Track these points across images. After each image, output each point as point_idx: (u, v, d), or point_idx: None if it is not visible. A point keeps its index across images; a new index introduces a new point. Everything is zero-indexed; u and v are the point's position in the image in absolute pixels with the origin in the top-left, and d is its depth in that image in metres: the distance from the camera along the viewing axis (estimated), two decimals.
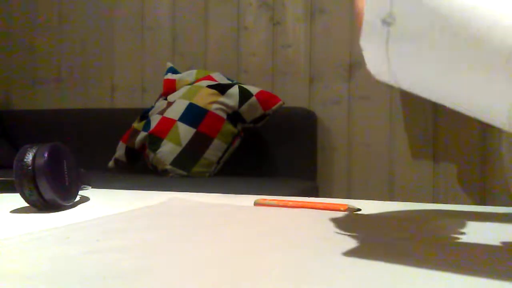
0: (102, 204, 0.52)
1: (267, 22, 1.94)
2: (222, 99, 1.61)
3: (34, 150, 0.46)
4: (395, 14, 0.26)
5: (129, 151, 1.71)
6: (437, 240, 0.34)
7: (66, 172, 0.48)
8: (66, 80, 2.26)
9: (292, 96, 1.89)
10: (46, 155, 0.45)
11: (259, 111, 1.63)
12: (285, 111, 1.75)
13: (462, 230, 0.37)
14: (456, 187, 1.74)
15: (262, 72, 1.94)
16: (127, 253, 0.29)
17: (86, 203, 0.53)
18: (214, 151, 1.58)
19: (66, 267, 0.26)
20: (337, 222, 0.40)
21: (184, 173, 1.56)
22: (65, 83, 2.26)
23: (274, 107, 1.64)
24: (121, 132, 1.82)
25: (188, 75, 1.76)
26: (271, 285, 0.23)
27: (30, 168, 0.45)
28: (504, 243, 0.33)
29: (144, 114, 1.76)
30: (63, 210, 0.48)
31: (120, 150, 1.74)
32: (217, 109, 1.60)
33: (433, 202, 1.72)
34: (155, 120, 1.62)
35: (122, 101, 2.16)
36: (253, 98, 1.61)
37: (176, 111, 1.60)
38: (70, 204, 0.49)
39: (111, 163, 1.77)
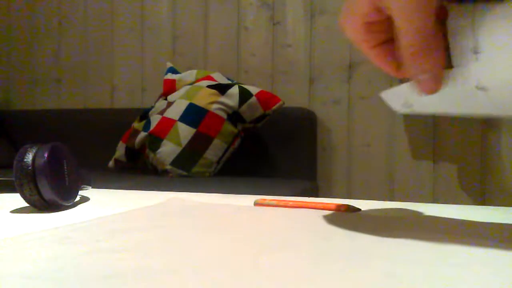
0: (102, 204, 0.52)
1: (267, 22, 1.94)
2: (222, 99, 1.61)
3: (34, 150, 0.46)
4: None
5: (129, 151, 1.71)
6: (437, 241, 0.34)
7: (66, 172, 0.48)
8: (66, 80, 2.26)
9: (292, 96, 1.89)
10: (46, 155, 0.45)
11: (259, 111, 1.63)
12: (285, 111, 1.75)
13: (462, 231, 0.37)
14: (456, 187, 1.74)
15: (262, 72, 1.94)
16: (127, 253, 0.29)
17: (86, 203, 0.53)
18: (214, 151, 1.58)
19: (66, 267, 0.26)
20: (337, 222, 0.40)
21: (184, 173, 1.56)
22: (65, 83, 2.26)
23: (274, 107, 1.64)
24: (121, 132, 1.82)
25: (188, 75, 1.76)
26: (271, 285, 0.23)
27: (30, 168, 0.45)
28: (504, 243, 0.33)
29: (144, 114, 1.76)
30: (63, 210, 0.48)
31: (120, 150, 1.74)
32: (217, 109, 1.60)
33: (433, 202, 1.72)
34: (155, 120, 1.62)
35: (122, 101, 2.16)
36: (253, 98, 1.61)
37: (176, 111, 1.60)
38: (70, 204, 0.49)
39: (111, 163, 1.77)
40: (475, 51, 0.28)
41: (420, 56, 0.30)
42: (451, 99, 0.32)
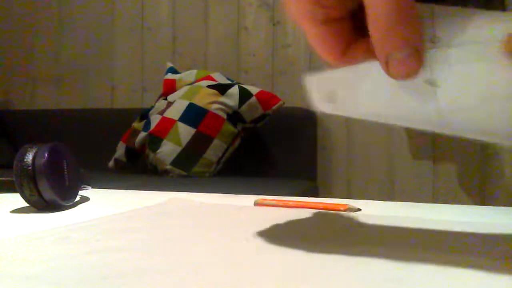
0: (102, 204, 0.52)
1: (267, 22, 1.94)
2: (222, 99, 1.61)
3: (34, 150, 0.46)
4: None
5: (129, 151, 1.71)
6: (437, 241, 0.34)
7: (66, 172, 0.48)
8: (66, 80, 2.26)
9: (292, 96, 1.89)
10: (46, 155, 0.45)
11: (259, 111, 1.63)
12: (285, 111, 1.75)
13: (462, 230, 0.37)
14: (456, 187, 1.74)
15: (262, 72, 1.94)
16: (127, 253, 0.29)
17: (86, 203, 0.53)
18: (214, 151, 1.58)
19: (66, 267, 0.26)
20: (337, 222, 0.40)
21: (184, 173, 1.56)
22: (65, 83, 2.26)
23: (274, 107, 1.64)
24: (121, 132, 1.82)
25: (188, 75, 1.76)
26: (271, 285, 0.23)
27: (30, 168, 0.45)
28: (504, 242, 0.33)
29: (144, 114, 1.76)
30: (63, 210, 0.48)
31: (120, 150, 1.74)
32: (217, 109, 1.60)
33: (433, 202, 1.72)
34: (155, 120, 1.62)
35: (122, 101, 2.16)
36: (253, 98, 1.61)
37: (176, 111, 1.60)
38: (70, 204, 0.49)
39: (111, 163, 1.77)
40: (432, 40, 0.25)
41: (399, 26, 0.25)
42: (391, 99, 0.27)
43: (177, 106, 1.61)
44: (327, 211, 0.46)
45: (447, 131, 0.26)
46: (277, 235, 0.35)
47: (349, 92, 0.29)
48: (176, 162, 1.55)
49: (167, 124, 1.59)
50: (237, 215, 0.44)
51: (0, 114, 2.20)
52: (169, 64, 1.85)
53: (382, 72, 0.26)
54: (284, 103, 1.66)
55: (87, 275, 0.25)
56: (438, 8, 0.25)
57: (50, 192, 0.45)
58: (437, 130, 0.26)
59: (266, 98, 1.63)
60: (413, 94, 0.26)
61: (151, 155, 1.60)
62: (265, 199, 0.51)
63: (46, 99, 2.29)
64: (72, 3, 2.24)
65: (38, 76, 2.31)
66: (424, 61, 0.25)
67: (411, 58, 0.25)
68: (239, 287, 0.23)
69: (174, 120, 1.59)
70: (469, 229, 0.37)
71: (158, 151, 1.57)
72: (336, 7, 0.28)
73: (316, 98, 0.31)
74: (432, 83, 0.25)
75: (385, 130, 1.80)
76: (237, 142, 1.66)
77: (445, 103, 0.25)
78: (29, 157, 0.45)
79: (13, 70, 2.35)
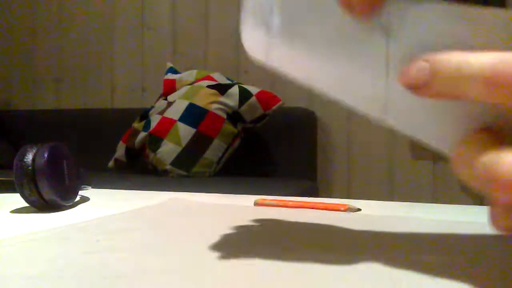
0: (102, 204, 0.52)
1: None
2: (222, 99, 1.61)
3: (34, 150, 0.46)
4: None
5: (129, 151, 1.71)
6: (436, 241, 0.34)
7: (66, 172, 0.48)
8: (66, 80, 2.26)
9: (292, 96, 1.89)
10: (46, 155, 0.45)
11: (259, 111, 1.63)
12: (285, 111, 1.75)
13: (462, 231, 0.37)
14: (456, 187, 1.74)
15: (262, 72, 1.94)
16: (127, 253, 0.29)
17: (86, 203, 0.53)
18: (214, 151, 1.58)
19: (66, 267, 0.26)
20: (337, 222, 0.40)
21: (184, 173, 1.56)
22: (65, 83, 2.26)
23: (274, 107, 1.64)
24: (121, 132, 1.82)
25: (188, 75, 1.76)
26: (271, 285, 0.23)
27: (30, 168, 0.45)
28: (503, 243, 0.33)
29: (144, 114, 1.76)
30: (63, 210, 0.48)
31: (120, 150, 1.74)
32: (217, 109, 1.60)
33: (433, 202, 1.72)
34: (155, 120, 1.62)
35: (122, 101, 2.16)
36: (253, 98, 1.61)
37: (176, 111, 1.60)
38: (70, 204, 0.49)
39: (111, 163, 1.77)
40: None
41: None
42: (337, 35, 0.24)
43: (177, 106, 1.61)
44: (327, 211, 0.46)
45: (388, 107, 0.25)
46: (277, 235, 0.35)
47: (290, 19, 0.25)
48: (176, 162, 1.55)
49: (167, 124, 1.59)
50: (237, 215, 0.44)
51: (0, 114, 2.20)
52: (169, 64, 1.85)
53: (333, 6, 0.24)
54: (284, 103, 1.66)
55: (87, 275, 0.25)
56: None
57: (50, 192, 0.45)
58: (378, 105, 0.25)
59: (266, 98, 1.63)
60: (362, 35, 0.24)
61: (151, 155, 1.60)
62: (265, 199, 0.51)
63: (46, 99, 2.29)
64: (72, 3, 2.24)
65: (38, 76, 2.30)
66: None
67: None
68: (239, 287, 0.23)
69: (174, 120, 1.59)
70: (469, 229, 0.37)
71: (158, 151, 1.57)
72: None
73: (249, 21, 0.27)
74: (386, 29, 0.23)
75: (385, 130, 1.80)
76: (237, 142, 1.65)
77: (394, 54, 0.23)
78: (29, 157, 0.45)
79: (13, 70, 2.35)
